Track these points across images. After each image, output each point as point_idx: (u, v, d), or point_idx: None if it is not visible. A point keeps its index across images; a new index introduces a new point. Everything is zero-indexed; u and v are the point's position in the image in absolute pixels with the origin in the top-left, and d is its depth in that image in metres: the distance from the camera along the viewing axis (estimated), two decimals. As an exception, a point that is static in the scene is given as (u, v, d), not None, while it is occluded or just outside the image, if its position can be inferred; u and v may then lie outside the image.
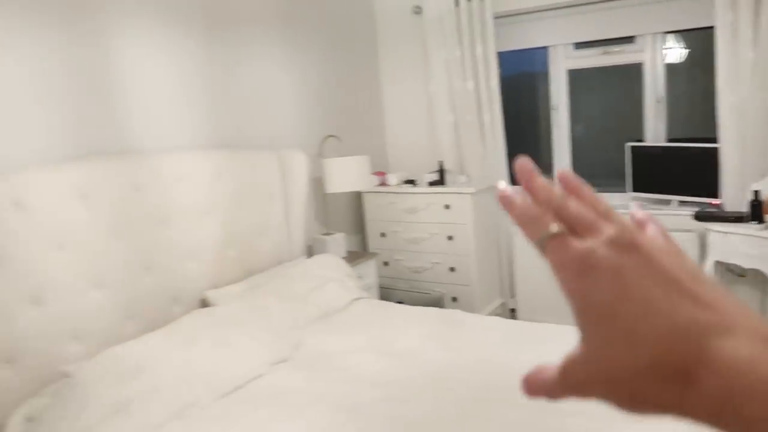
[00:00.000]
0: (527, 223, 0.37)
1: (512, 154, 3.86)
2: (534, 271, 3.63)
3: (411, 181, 3.77)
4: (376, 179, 3.81)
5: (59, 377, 2.02)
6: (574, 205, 0.37)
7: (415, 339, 2.34)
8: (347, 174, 3.23)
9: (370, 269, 3.48)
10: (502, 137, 3.76)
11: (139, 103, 2.54)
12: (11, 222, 1.94)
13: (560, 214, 0.37)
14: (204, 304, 2.63)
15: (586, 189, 0.39)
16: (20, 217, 1.96)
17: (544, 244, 0.36)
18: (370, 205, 3.84)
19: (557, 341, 2.13)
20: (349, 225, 3.89)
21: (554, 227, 0.36)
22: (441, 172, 3.66)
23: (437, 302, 3.42)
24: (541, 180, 0.38)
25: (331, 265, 2.99)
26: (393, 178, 3.79)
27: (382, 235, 3.82)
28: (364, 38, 4.05)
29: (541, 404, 1.61)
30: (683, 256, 0.35)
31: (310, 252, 3.40)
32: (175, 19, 2.70)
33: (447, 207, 3.53)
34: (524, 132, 3.99)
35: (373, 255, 3.56)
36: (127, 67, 2.49)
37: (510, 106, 3.84)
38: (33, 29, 2.15)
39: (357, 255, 3.50)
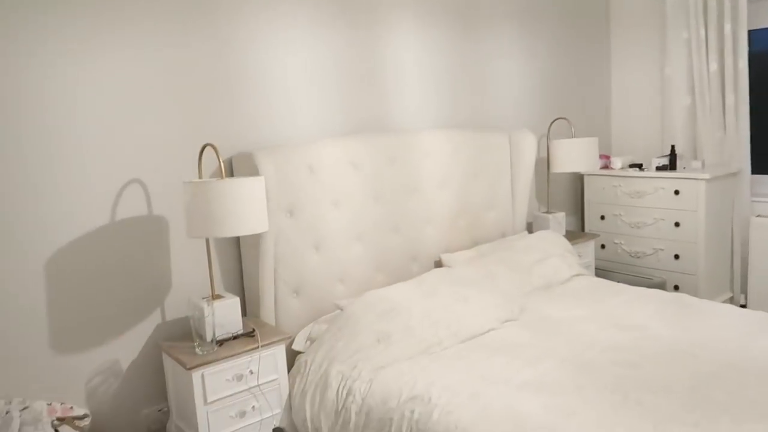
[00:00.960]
0: None
1: (757, 139, 3.59)
2: (774, 266, 3.38)
3: (637, 165, 3.73)
4: (599, 162, 3.84)
5: (331, 309, 2.53)
6: None
7: (641, 315, 2.41)
8: (574, 155, 3.32)
9: (587, 250, 3.56)
10: (747, 121, 3.51)
11: (397, 88, 2.94)
12: (305, 182, 2.45)
13: None
14: (437, 264, 2.99)
15: None
16: (311, 179, 2.47)
17: None
18: (591, 187, 3.88)
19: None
20: (569, 206, 3.98)
21: None
22: (672, 156, 3.56)
23: (659, 288, 3.37)
24: None
25: (552, 240, 3.14)
26: (618, 162, 3.78)
27: (602, 218, 3.84)
28: (597, 21, 4.05)
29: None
30: None
31: (530, 228, 3.59)
32: (428, 13, 3.05)
33: (677, 193, 3.44)
34: (772, 116, 3.66)
35: (593, 236, 3.62)
36: (389, 58, 2.90)
37: (758, 87, 3.56)
38: (313, 28, 2.64)
39: (575, 235, 3.59)
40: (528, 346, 2.18)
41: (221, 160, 2.04)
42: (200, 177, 2.17)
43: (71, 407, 2.02)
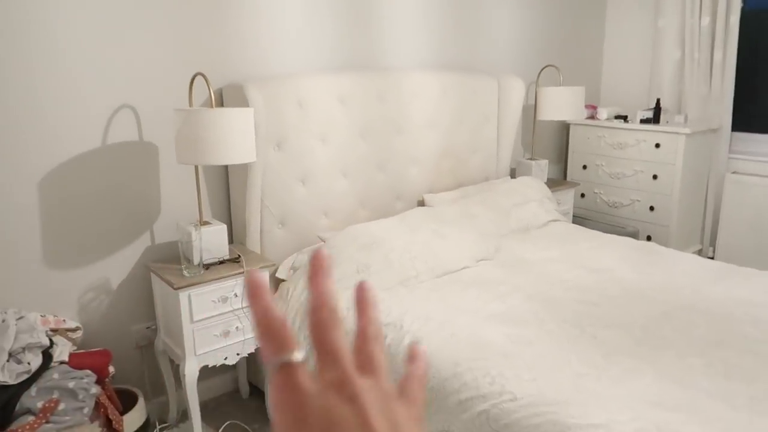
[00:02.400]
0: (268, 335, 0.33)
1: (740, 97, 3.65)
2: (741, 221, 3.52)
3: (623, 117, 3.79)
4: (586, 112, 3.89)
5: (315, 241, 2.63)
6: (335, 336, 0.34)
7: (608, 259, 2.55)
8: (561, 103, 3.38)
9: (567, 197, 3.67)
10: (732, 79, 3.57)
11: (388, 26, 2.94)
12: (293, 116, 2.49)
13: (317, 336, 0.34)
14: (420, 204, 3.08)
15: (374, 312, 0.37)
16: (299, 113, 2.52)
17: (277, 368, 0.33)
18: (576, 136, 3.95)
19: (753, 282, 2.21)
20: (552, 153, 4.06)
21: (291, 356, 0.33)
22: (657, 110, 3.63)
23: (632, 237, 3.50)
24: (329, 284, 0.36)
25: (533, 186, 3.24)
26: (604, 113, 3.84)
27: (584, 167, 3.93)
28: (595, -33, 4.01)
29: (726, 326, 1.78)
30: (407, 407, 0.35)
31: (513, 174, 3.67)
32: (425, -51, 3.02)
33: (657, 146, 3.53)
34: (758, 74, 3.71)
35: (574, 185, 3.72)
36: (383, -7, 2.89)
37: (746, 44, 3.60)
38: (318, -40, 2.62)
39: (556, 182, 3.69)
40: (499, 283, 2.31)
41: (212, 90, 2.09)
42: (191, 105, 2.21)
43: (63, 320, 2.13)
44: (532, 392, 1.56)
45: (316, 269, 0.36)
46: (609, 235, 2.94)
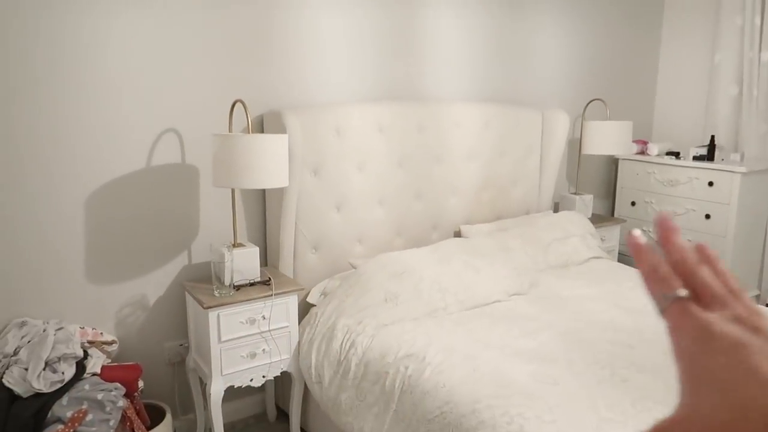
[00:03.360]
0: (654, 280, 0.39)
1: (803, 136, 3.46)
2: (804, 267, 3.30)
3: (674, 153, 3.66)
4: (635, 147, 3.79)
5: (347, 267, 2.64)
6: (707, 274, 0.39)
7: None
8: (607, 138, 3.30)
9: (612, 234, 3.55)
10: (794, 116, 3.40)
11: (431, 57, 2.97)
12: (332, 144, 2.54)
13: (690, 279, 0.38)
14: (457, 234, 3.05)
15: (721, 263, 0.40)
16: (338, 141, 2.56)
17: (667, 305, 0.38)
18: (625, 172, 3.84)
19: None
20: (599, 189, 3.95)
21: (681, 291, 0.38)
22: (711, 146, 3.49)
23: (681, 278, 3.35)
24: (679, 239, 0.40)
25: (575, 221, 3.16)
26: (654, 148, 3.72)
27: (632, 203, 3.81)
28: (650, 3, 3.93)
29: None
30: None
31: (557, 208, 3.60)
32: (470, -17, 3.05)
33: (711, 184, 3.38)
34: (825, 113, 3.52)
35: (620, 221, 3.60)
36: (427, 26, 2.92)
37: (812, 82, 3.43)
38: (363, -7, 2.69)
39: (602, 218, 3.58)
40: (530, 319, 2.24)
41: (249, 116, 2.15)
42: (230, 131, 2.29)
43: (101, 333, 2.21)
44: (551, 435, 1.50)
45: (665, 230, 0.41)
46: (653, 275, 2.81)
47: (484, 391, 1.72)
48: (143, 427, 2.08)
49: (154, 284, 2.37)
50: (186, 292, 2.32)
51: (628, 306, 2.38)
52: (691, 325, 0.36)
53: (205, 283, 2.28)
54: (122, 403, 1.97)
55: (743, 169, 3.25)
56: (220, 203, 2.45)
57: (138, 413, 2.09)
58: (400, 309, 2.26)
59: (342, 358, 2.14)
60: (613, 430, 1.52)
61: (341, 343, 2.17)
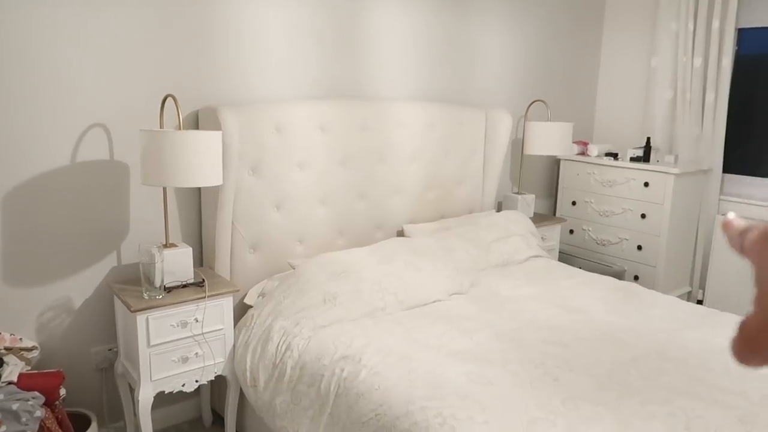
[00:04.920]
0: (737, 234, 0.45)
1: (732, 140, 3.61)
2: (731, 265, 3.44)
3: (613, 155, 3.76)
4: (576, 148, 3.87)
5: (287, 268, 2.58)
6: None
7: (586, 298, 2.48)
8: (548, 138, 3.35)
9: (554, 233, 3.61)
10: (724, 121, 3.53)
11: (375, 56, 2.94)
12: (272, 141, 2.48)
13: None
14: (400, 234, 3.04)
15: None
16: (278, 138, 2.50)
17: (748, 245, 0.43)
18: (566, 172, 3.91)
19: (732, 328, 2.14)
20: (541, 189, 4.02)
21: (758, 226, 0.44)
22: (647, 148, 3.59)
23: (618, 276, 3.43)
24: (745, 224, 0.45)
25: (517, 221, 3.19)
26: (594, 149, 3.81)
27: (573, 203, 3.89)
28: (591, 6, 4.02)
29: (697, 375, 1.71)
30: None
31: (500, 207, 3.63)
32: (414, -19, 3.04)
33: (646, 185, 3.48)
34: (751, 118, 3.68)
35: (560, 220, 3.67)
36: (371, 23, 2.89)
37: (742, 88, 3.57)
38: (303, -13, 2.64)
39: (543, 218, 3.64)
40: (468, 319, 2.25)
41: (180, 112, 2.07)
42: (161, 127, 2.20)
43: (20, 338, 2.09)
44: (482, 436, 1.49)
45: (732, 236, 0.45)
46: (591, 273, 2.87)
47: (419, 393, 1.70)
48: (65, 437, 1.97)
49: (81, 286, 2.26)
50: (114, 295, 2.22)
51: (565, 305, 2.42)
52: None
53: (135, 285, 2.19)
54: (40, 413, 1.86)
55: (677, 171, 3.36)
56: (152, 202, 2.35)
57: (60, 423, 1.98)
58: (339, 310, 2.22)
59: (277, 361, 2.09)
60: (542, 428, 1.52)
61: (277, 346, 2.12)
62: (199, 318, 2.14)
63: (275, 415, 2.03)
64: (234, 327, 2.27)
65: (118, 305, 2.21)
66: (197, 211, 2.50)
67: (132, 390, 2.27)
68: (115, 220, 2.29)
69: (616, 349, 2.01)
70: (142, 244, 2.16)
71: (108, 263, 2.30)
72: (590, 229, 3.81)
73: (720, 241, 3.53)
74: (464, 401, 1.65)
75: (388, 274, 2.41)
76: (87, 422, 2.17)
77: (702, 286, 3.71)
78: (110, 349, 2.35)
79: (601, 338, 2.10)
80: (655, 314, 2.36)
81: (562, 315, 2.31)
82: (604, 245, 3.73)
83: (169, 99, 2.18)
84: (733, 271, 3.46)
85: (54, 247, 2.17)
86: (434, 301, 2.42)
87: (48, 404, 1.94)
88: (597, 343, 2.05)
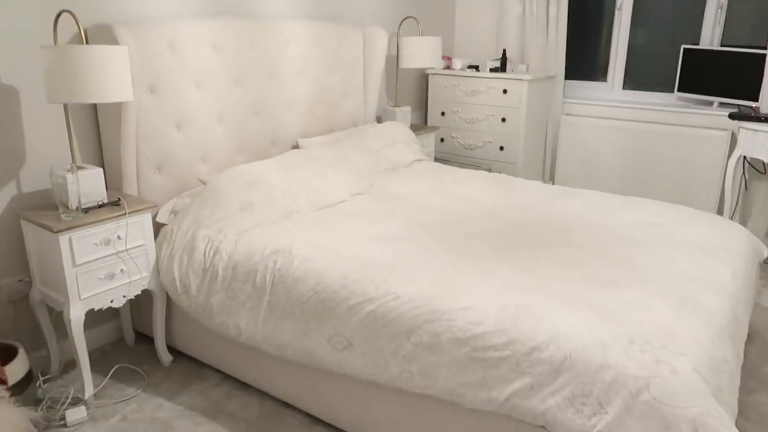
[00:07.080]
0: None
1: (573, 48, 4.16)
2: (574, 156, 4.07)
3: (474, 67, 4.15)
4: (442, 62, 4.21)
5: (193, 186, 2.65)
6: None
7: (470, 187, 2.88)
8: (420, 52, 3.63)
9: (428, 141, 3.97)
10: (564, 31, 4.05)
11: (254, -30, 2.96)
12: (166, 61, 2.47)
13: None
14: (295, 148, 3.20)
15: None
16: (172, 57, 2.49)
17: None
18: (434, 85, 4.26)
19: (584, 199, 2.65)
20: (414, 101, 4.34)
21: None
22: (503, 59, 4.02)
23: (486, 174, 3.92)
24: None
25: (399, 130, 3.49)
26: (458, 63, 4.17)
27: (442, 113, 4.27)
28: (445, -75, 4.27)
29: (564, 231, 2.15)
30: None
31: (380, 120, 3.90)
32: None
33: (505, 92, 3.93)
34: (587, 29, 4.24)
35: (434, 128, 4.03)
36: (247, -62, 2.90)
37: (580, 2, 4.09)
38: None
39: (418, 128, 3.98)
40: (376, 212, 2.52)
41: (81, 27, 2.02)
42: (56, 44, 2.12)
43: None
44: (413, 290, 1.80)
45: None
46: (468, 169, 3.28)
47: (351, 270, 1.96)
48: (-1, 364, 1.97)
49: (-20, 218, 2.17)
50: (23, 221, 2.17)
51: (454, 194, 2.79)
52: None
53: (45, 210, 2.16)
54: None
55: (529, 77, 3.83)
56: (47, 125, 2.27)
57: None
58: (258, 215, 2.38)
59: (207, 266, 2.22)
60: (459, 279, 1.86)
61: (204, 252, 2.24)
62: (122, 235, 2.19)
63: (212, 313, 2.19)
64: (154, 242, 2.34)
65: (30, 231, 2.17)
66: (94, 135, 2.45)
67: (52, 315, 2.28)
68: (9, 147, 2.20)
69: (501, 220, 2.41)
70: (53, 167, 2.12)
71: (8, 192, 2.22)
72: (458, 136, 4.23)
73: (565, 136, 4.13)
74: (392, 270, 1.93)
75: (296, 181, 2.59)
76: (12, 353, 2.16)
77: (552, 177, 4.34)
78: (20, 280, 2.30)
79: (488, 214, 2.50)
80: (525, 193, 2.82)
81: (453, 202, 2.68)
82: (471, 149, 4.19)
83: (64, 15, 2.09)
84: (576, 162, 4.09)
85: (-53, 178, 2.06)
86: (340, 202, 2.66)
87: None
88: (486, 218, 2.45)
